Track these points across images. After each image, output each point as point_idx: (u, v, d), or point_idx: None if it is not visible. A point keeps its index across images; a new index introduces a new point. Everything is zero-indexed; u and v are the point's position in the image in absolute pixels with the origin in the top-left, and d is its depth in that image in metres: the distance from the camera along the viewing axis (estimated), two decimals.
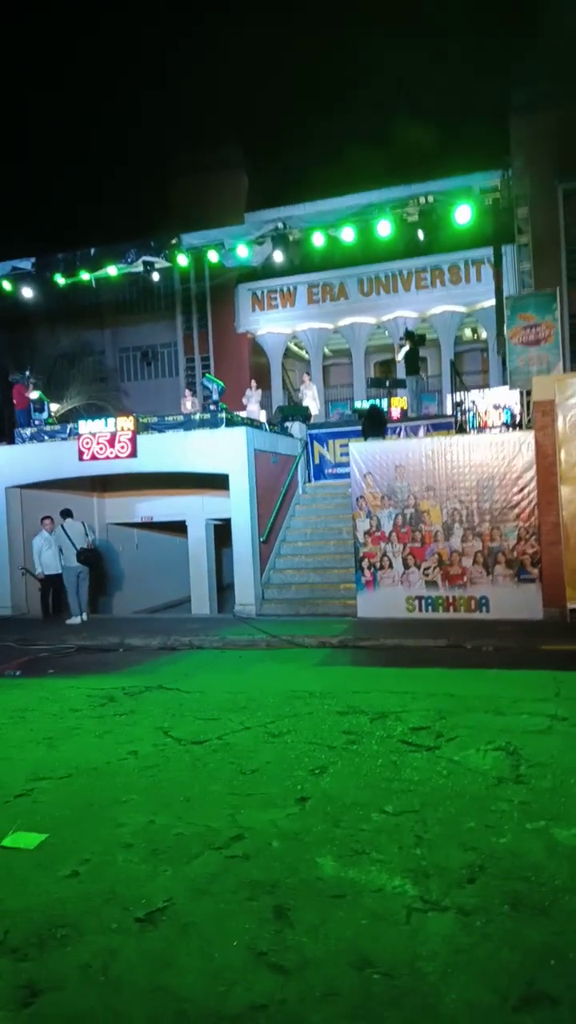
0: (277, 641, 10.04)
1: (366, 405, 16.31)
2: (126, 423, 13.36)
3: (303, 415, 16.31)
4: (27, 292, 16.97)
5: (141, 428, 13.46)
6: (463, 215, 14.34)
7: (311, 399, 18.00)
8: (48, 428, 14.84)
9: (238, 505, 12.74)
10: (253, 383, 19.19)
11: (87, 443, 13.41)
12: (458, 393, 15.24)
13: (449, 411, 16.60)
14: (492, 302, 18.15)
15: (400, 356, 17.45)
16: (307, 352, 25.68)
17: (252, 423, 14.16)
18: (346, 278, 23.54)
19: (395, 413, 16.96)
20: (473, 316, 23.46)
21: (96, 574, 14.20)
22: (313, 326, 24.49)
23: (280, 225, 15.71)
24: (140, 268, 16.57)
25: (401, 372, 18.92)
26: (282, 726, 5.98)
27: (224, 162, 24.98)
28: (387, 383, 19.13)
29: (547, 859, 3.53)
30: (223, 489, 13.06)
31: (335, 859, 3.63)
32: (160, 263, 16.61)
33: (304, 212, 17.70)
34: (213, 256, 16.23)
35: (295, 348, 26.63)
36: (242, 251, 15.82)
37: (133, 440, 13.19)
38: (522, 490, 10.83)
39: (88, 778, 4.98)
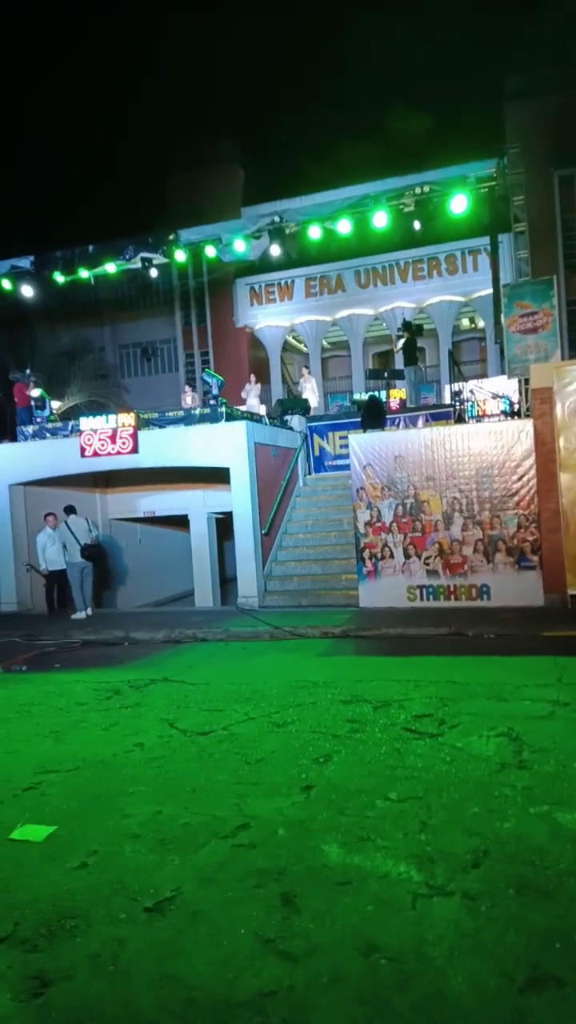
0: (280, 632, 10.07)
1: (365, 397, 16.30)
2: (127, 419, 13.38)
3: (303, 408, 16.32)
4: (26, 290, 16.97)
5: (142, 424, 13.47)
6: (459, 204, 14.31)
7: (310, 392, 18.00)
8: (50, 425, 14.87)
9: (239, 498, 12.76)
10: (252, 377, 19.19)
11: (89, 440, 13.42)
12: (456, 383, 15.24)
13: (448, 401, 16.60)
14: (489, 291, 18.11)
15: (398, 347, 17.43)
16: (306, 345, 25.65)
17: (252, 417, 14.17)
18: (343, 270, 23.49)
19: (394, 404, 16.98)
20: (470, 305, 23.40)
21: (100, 569, 14.24)
22: (311, 319, 24.46)
23: (277, 219, 15.69)
24: (138, 264, 16.57)
25: (399, 363, 18.90)
26: (286, 716, 6.01)
27: (220, 157, 24.94)
28: (386, 374, 19.13)
29: (551, 843, 3.56)
30: (224, 483, 13.08)
31: (341, 846, 3.66)
32: (158, 259, 16.60)
33: (300, 205, 17.66)
34: (210, 251, 16.22)
35: (293, 341, 26.60)
36: (239, 246, 15.80)
37: (134, 436, 13.20)
38: (521, 478, 10.83)
39: (95, 770, 5.01)
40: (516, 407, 13.73)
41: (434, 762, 4.72)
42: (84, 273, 16.72)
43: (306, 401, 16.97)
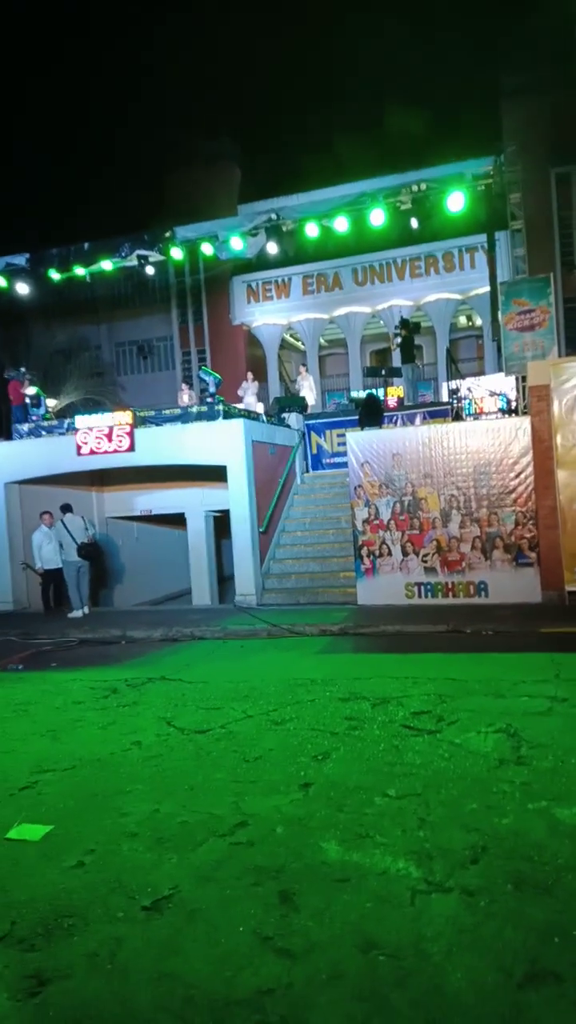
0: (278, 630, 10.06)
1: (363, 395, 16.29)
2: (123, 417, 13.35)
3: (300, 406, 16.31)
4: (22, 288, 16.94)
5: (138, 422, 13.45)
6: (456, 202, 14.30)
7: (308, 390, 17.99)
8: (46, 423, 14.84)
9: (237, 496, 12.74)
10: (249, 375, 19.17)
11: (85, 438, 13.39)
12: (454, 380, 15.22)
13: (445, 399, 16.57)
14: (486, 289, 18.12)
15: (395, 345, 17.42)
16: (303, 343, 25.63)
17: (249, 415, 14.15)
18: (340, 268, 23.49)
19: (391, 402, 16.95)
20: (468, 303, 23.41)
21: (96, 568, 14.22)
22: (308, 317, 24.44)
23: (273, 216, 15.68)
24: (134, 262, 16.55)
25: (397, 361, 18.90)
26: (284, 714, 6.00)
27: (216, 154, 24.92)
28: (383, 372, 19.11)
29: (549, 839, 3.55)
30: (221, 481, 13.06)
31: (339, 843, 3.65)
32: (154, 256, 16.58)
33: (297, 203, 17.65)
34: (207, 249, 16.20)
35: (291, 339, 26.58)
36: (236, 243, 15.79)
37: (131, 434, 13.18)
38: (519, 475, 10.83)
39: (92, 769, 5.00)
40: (513, 405, 13.72)
41: (432, 759, 4.71)
42: (80, 271, 16.70)
43: (303, 399, 16.97)
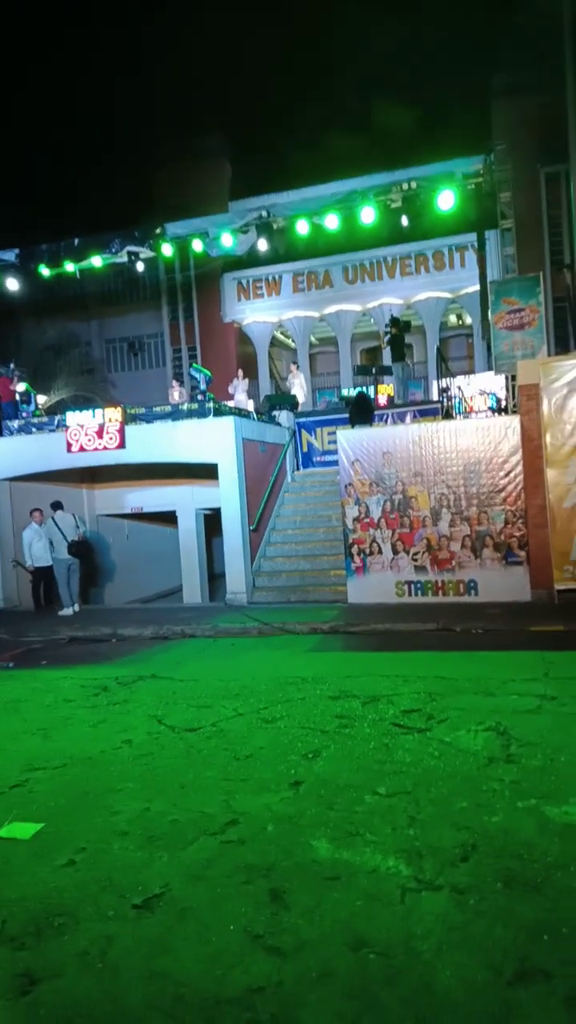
0: (269, 628, 10.07)
1: (353, 393, 16.31)
2: (114, 414, 13.30)
3: (291, 404, 16.30)
4: (11, 284, 16.85)
5: (129, 419, 13.41)
6: (446, 200, 14.34)
7: (298, 388, 17.98)
8: (36, 420, 14.77)
9: (227, 494, 12.73)
10: (240, 372, 19.15)
11: (75, 435, 13.34)
12: (444, 379, 15.26)
13: (435, 397, 16.63)
14: (476, 287, 18.18)
15: (386, 343, 17.44)
16: (293, 341, 25.64)
17: (240, 412, 14.14)
18: (331, 266, 23.50)
19: (382, 400, 17.00)
20: (458, 302, 23.47)
21: (87, 566, 14.18)
22: (299, 314, 24.44)
23: (264, 213, 15.67)
24: (125, 258, 16.51)
25: (387, 359, 18.92)
26: (275, 712, 6.01)
27: (207, 151, 24.84)
28: (373, 370, 19.15)
29: (539, 836, 3.57)
30: (212, 479, 13.04)
31: (329, 841, 3.66)
32: (145, 253, 16.54)
33: (288, 200, 17.63)
34: (198, 245, 16.17)
35: (281, 337, 26.57)
36: (226, 240, 15.77)
37: (121, 431, 13.13)
38: (508, 474, 10.87)
39: (83, 767, 4.99)
40: (503, 403, 13.77)
41: (422, 757, 4.73)
42: (70, 266, 16.64)
43: (294, 397, 16.96)
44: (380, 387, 18.24)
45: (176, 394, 18.06)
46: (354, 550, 11.64)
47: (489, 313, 12.63)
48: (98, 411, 13.57)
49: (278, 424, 15.28)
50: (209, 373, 15.53)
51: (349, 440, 11.79)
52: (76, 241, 16.45)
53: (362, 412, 12.72)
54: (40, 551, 12.73)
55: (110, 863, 3.61)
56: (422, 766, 4.58)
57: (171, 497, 15.24)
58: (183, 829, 3.92)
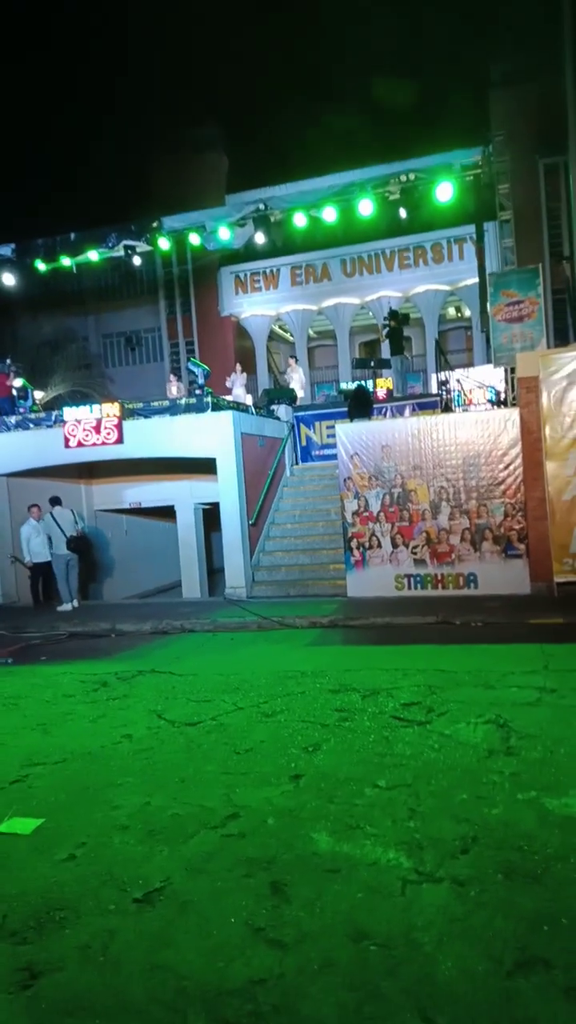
0: (268, 622, 10.07)
1: (352, 386, 16.28)
2: (111, 409, 13.27)
3: (289, 398, 16.27)
4: (7, 279, 16.80)
5: (127, 414, 13.37)
6: (444, 192, 14.30)
7: (297, 382, 17.95)
8: (33, 416, 14.73)
9: (226, 489, 12.72)
10: (238, 366, 19.11)
11: (73, 430, 13.32)
12: (443, 372, 15.25)
13: (434, 390, 16.62)
14: (475, 280, 18.14)
15: (384, 336, 17.41)
16: (292, 334, 25.57)
17: (238, 407, 14.11)
18: (329, 259, 23.42)
19: (381, 393, 16.95)
20: (456, 294, 23.40)
21: (86, 561, 14.16)
22: (297, 308, 24.37)
23: (261, 206, 15.62)
24: (121, 252, 16.45)
25: (386, 352, 18.89)
26: (275, 706, 6.02)
27: (204, 143, 24.74)
28: (372, 363, 19.09)
29: (538, 828, 3.58)
30: (211, 473, 13.03)
31: (330, 834, 3.67)
32: (141, 247, 16.49)
33: (285, 192, 17.57)
34: (195, 239, 16.13)
35: (279, 331, 26.50)
36: (224, 233, 15.72)
37: (119, 426, 13.11)
38: (508, 467, 10.86)
39: (83, 762, 5.00)
40: (502, 396, 13.76)
41: (422, 750, 4.74)
42: (66, 261, 16.58)
43: (292, 391, 16.93)
44: (379, 380, 18.20)
45: (174, 389, 18.03)
46: (353, 544, 11.63)
47: (488, 305, 12.60)
48: (96, 406, 13.54)
49: (276, 418, 15.26)
50: (207, 367, 15.48)
51: (348, 434, 11.77)
52: (72, 235, 16.39)
53: (361, 406, 12.72)
54: (38, 547, 12.72)
55: (111, 857, 3.62)
56: (422, 759, 4.58)
57: (169, 492, 15.22)
58: (183, 823, 3.92)
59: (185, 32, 42.32)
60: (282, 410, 15.53)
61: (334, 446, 12.30)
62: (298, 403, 16.71)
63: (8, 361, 16.05)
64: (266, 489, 13.83)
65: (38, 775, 4.81)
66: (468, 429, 11.10)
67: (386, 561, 11.43)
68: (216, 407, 13.17)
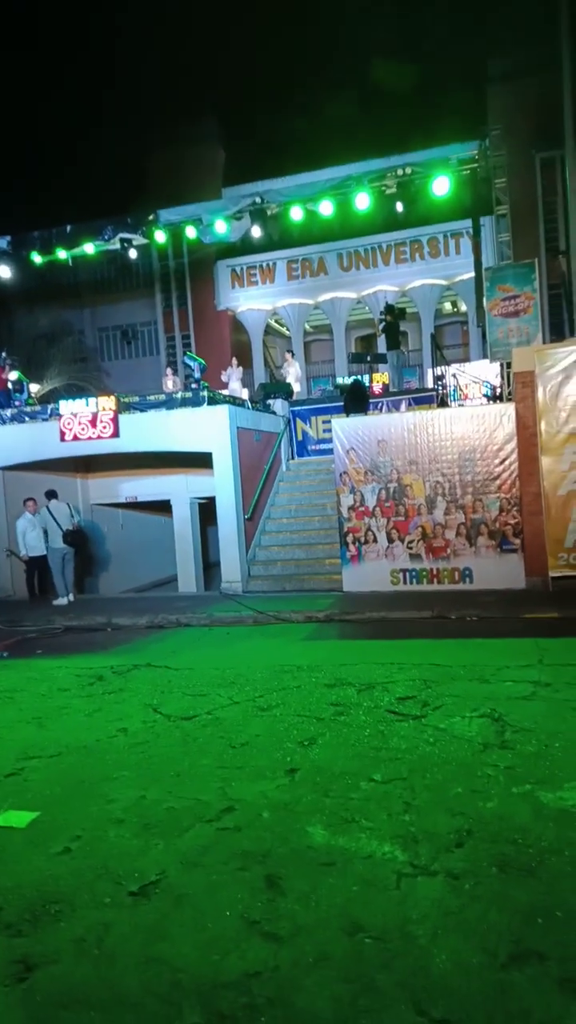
0: (264, 617, 10.07)
1: (348, 381, 16.26)
2: (107, 403, 13.24)
3: (285, 392, 16.25)
4: (3, 271, 16.73)
5: (123, 408, 13.34)
6: (441, 186, 14.27)
7: (293, 376, 17.93)
8: (28, 409, 14.69)
9: (222, 483, 12.71)
10: (234, 360, 19.06)
11: (68, 424, 13.28)
12: (439, 367, 15.23)
13: (430, 385, 16.60)
14: (471, 274, 18.11)
15: (380, 330, 17.39)
16: (288, 328, 25.53)
17: (234, 401, 14.09)
18: (325, 253, 23.39)
19: (377, 388, 16.96)
20: (453, 289, 23.40)
21: (82, 555, 14.15)
22: (293, 302, 24.33)
23: (258, 199, 15.56)
24: (117, 245, 16.38)
25: (382, 347, 18.87)
26: (271, 700, 6.02)
27: (200, 136, 24.64)
28: (368, 358, 19.10)
29: (533, 822, 3.59)
30: (207, 467, 13.01)
31: (325, 828, 3.67)
32: (138, 240, 16.43)
33: (282, 186, 17.49)
34: (191, 232, 16.07)
35: (276, 325, 26.46)
36: (220, 227, 15.67)
37: (115, 420, 13.08)
38: (503, 462, 10.87)
39: (78, 756, 5.00)
40: (498, 391, 13.75)
41: (418, 743, 4.75)
42: (62, 254, 16.52)
43: (289, 385, 16.91)
44: (375, 375, 18.20)
45: (170, 382, 17.99)
46: (349, 538, 11.64)
47: (484, 300, 12.58)
48: (91, 400, 13.51)
49: (273, 412, 15.24)
50: (203, 361, 15.45)
51: (344, 428, 11.76)
52: (68, 228, 16.32)
53: (357, 400, 12.69)
54: (34, 540, 12.70)
55: (106, 851, 3.62)
56: (417, 753, 4.59)
57: (165, 486, 15.20)
58: (179, 816, 3.93)
59: (182, 24, 42.11)
60: (278, 404, 15.51)
61: (330, 441, 12.30)
62: (294, 397, 16.70)
63: (4, 354, 15.98)
64: (262, 483, 13.82)
65: (33, 768, 4.81)
66: (464, 424, 11.11)
67: (382, 556, 11.44)
68: (212, 401, 13.15)
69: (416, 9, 38.26)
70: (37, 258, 16.47)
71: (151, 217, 15.88)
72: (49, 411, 13.99)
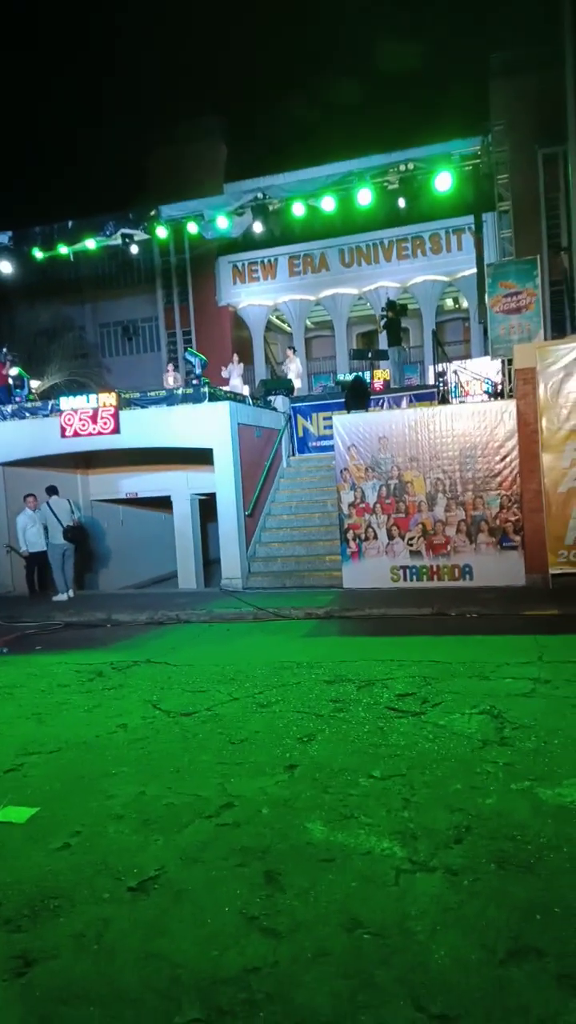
0: (264, 613, 10.08)
1: (349, 377, 16.23)
2: (108, 399, 13.23)
3: (286, 388, 16.23)
4: (4, 266, 16.71)
5: (123, 404, 13.34)
6: (443, 182, 14.25)
7: (294, 372, 17.91)
8: (29, 405, 14.68)
9: (223, 479, 12.70)
10: (235, 357, 19.05)
11: (69, 420, 13.28)
12: (440, 363, 15.22)
13: (431, 382, 16.58)
14: (473, 271, 18.07)
15: (382, 327, 17.36)
16: (289, 325, 25.48)
17: (235, 397, 14.08)
18: (327, 249, 23.33)
19: (378, 385, 16.93)
20: (455, 285, 23.34)
21: (82, 551, 14.16)
22: (295, 298, 24.28)
23: (260, 195, 15.55)
24: (119, 241, 16.38)
25: (383, 343, 18.83)
26: (270, 696, 6.03)
27: (202, 132, 24.58)
28: (369, 355, 19.04)
29: (532, 818, 3.59)
30: (207, 464, 13.01)
31: (324, 824, 3.68)
32: (139, 235, 16.42)
33: (284, 182, 17.48)
34: (192, 228, 16.06)
35: (277, 321, 26.41)
36: (222, 222, 15.66)
37: (116, 416, 13.07)
38: (504, 458, 10.86)
39: (78, 752, 5.00)
40: (499, 388, 13.74)
41: (417, 740, 4.75)
42: (64, 249, 16.51)
43: (290, 382, 16.88)
44: (376, 372, 18.16)
45: (171, 379, 17.99)
46: (349, 535, 11.64)
47: (486, 296, 12.56)
48: (92, 396, 13.51)
49: (274, 409, 15.23)
50: (204, 358, 15.43)
51: (345, 425, 11.75)
52: (70, 223, 16.31)
53: (358, 397, 12.67)
54: (34, 536, 12.71)
55: (105, 846, 3.62)
56: (416, 749, 4.60)
57: (166, 482, 15.20)
58: (178, 812, 3.93)
59: (184, 20, 41.96)
60: (279, 401, 15.50)
61: (331, 437, 12.29)
62: (295, 394, 16.68)
63: (4, 350, 15.97)
64: (263, 480, 13.82)
65: (33, 764, 4.81)
66: (465, 421, 11.09)
67: (382, 553, 11.44)
68: (213, 397, 13.14)
69: (419, 5, 38.14)
70: (39, 253, 16.48)
71: (152, 213, 15.87)
72: (50, 407, 13.99)
